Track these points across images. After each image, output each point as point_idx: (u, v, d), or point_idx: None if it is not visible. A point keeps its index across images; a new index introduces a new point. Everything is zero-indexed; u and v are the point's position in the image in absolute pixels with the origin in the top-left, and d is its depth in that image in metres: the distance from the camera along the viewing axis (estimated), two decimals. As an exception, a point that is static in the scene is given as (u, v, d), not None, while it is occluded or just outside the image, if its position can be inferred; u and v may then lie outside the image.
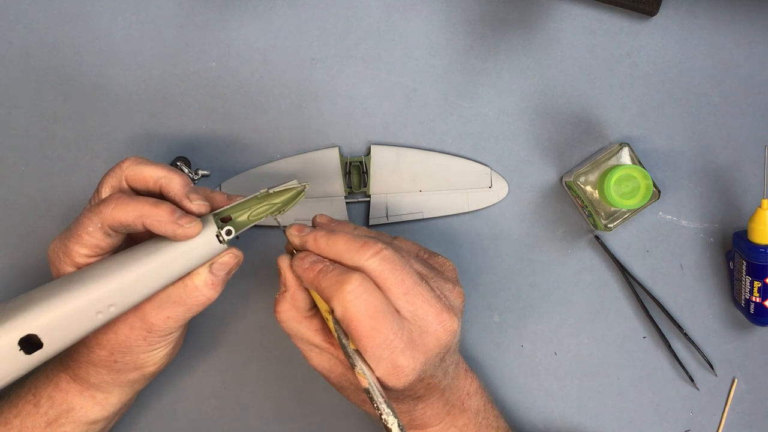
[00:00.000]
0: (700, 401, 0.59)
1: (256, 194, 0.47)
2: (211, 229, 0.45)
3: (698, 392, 0.59)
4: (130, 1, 0.57)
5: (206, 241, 0.45)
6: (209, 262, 0.46)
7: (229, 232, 0.45)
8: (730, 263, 0.58)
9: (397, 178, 0.58)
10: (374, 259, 0.42)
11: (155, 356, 0.48)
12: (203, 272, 0.45)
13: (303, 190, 0.48)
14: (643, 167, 0.55)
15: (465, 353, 0.59)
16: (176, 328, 0.47)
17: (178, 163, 0.56)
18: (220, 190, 0.57)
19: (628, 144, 0.55)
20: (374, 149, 0.58)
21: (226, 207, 0.47)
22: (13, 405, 0.49)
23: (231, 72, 0.58)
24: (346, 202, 0.58)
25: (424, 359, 0.43)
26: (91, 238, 0.44)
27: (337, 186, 0.57)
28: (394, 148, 0.58)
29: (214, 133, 0.58)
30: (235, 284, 0.58)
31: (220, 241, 0.45)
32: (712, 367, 0.59)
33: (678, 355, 0.59)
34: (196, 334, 0.58)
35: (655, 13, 0.57)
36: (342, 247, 0.44)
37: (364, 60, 0.58)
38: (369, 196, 0.58)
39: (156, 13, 0.57)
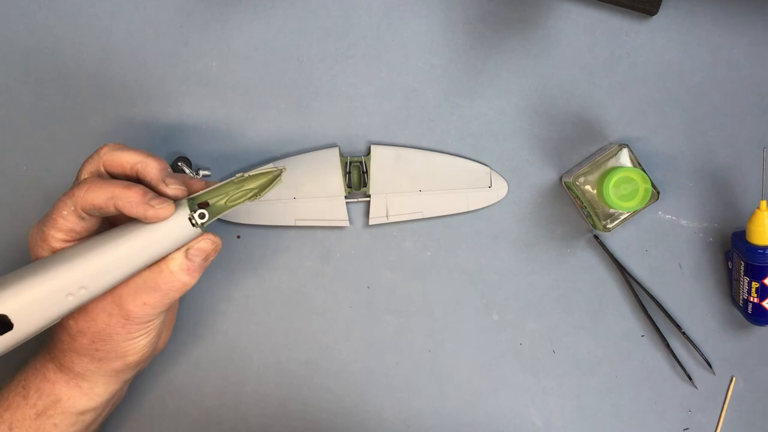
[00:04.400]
0: (699, 400, 0.60)
1: (232, 179, 0.47)
2: (184, 212, 0.45)
3: (697, 391, 0.59)
4: (130, 1, 0.57)
5: (179, 224, 0.45)
6: (185, 247, 0.46)
7: (202, 216, 0.45)
8: (729, 263, 0.58)
9: (397, 177, 0.58)
10: None
11: (136, 345, 0.48)
12: (178, 257, 0.46)
13: (279, 175, 0.48)
14: (643, 169, 0.55)
15: (465, 353, 0.59)
16: (155, 315, 0.47)
17: (179, 164, 0.56)
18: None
19: (627, 145, 0.55)
20: (374, 149, 0.58)
21: (201, 192, 0.47)
22: (4, 398, 0.49)
23: (231, 72, 0.58)
24: (346, 202, 0.58)
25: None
26: (65, 222, 0.45)
27: (337, 186, 0.58)
28: (394, 147, 0.58)
29: (214, 133, 0.58)
30: (235, 284, 0.58)
31: (194, 225, 0.45)
32: (710, 366, 0.59)
33: (676, 354, 0.59)
34: (197, 333, 0.58)
35: (655, 13, 0.57)
36: None
37: (364, 60, 0.58)
38: (369, 196, 0.58)
39: (156, 13, 0.57)
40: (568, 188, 0.57)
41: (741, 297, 0.56)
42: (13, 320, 0.42)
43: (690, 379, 0.59)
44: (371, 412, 0.59)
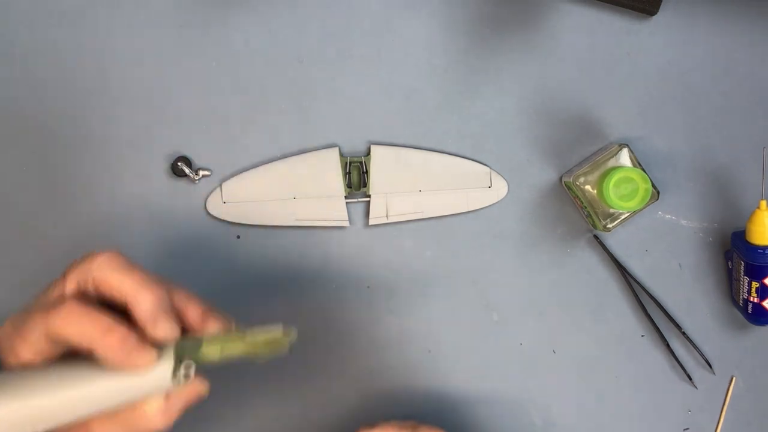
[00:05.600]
0: (699, 400, 0.60)
1: (233, 332, 0.42)
2: (168, 361, 0.40)
3: (697, 391, 0.60)
4: (130, 1, 0.57)
5: (160, 374, 0.40)
6: (167, 399, 0.41)
7: (188, 371, 0.40)
8: (729, 263, 0.58)
9: (397, 177, 0.58)
10: None
11: None
12: (156, 400, 0.41)
13: (287, 343, 0.42)
14: (643, 169, 0.55)
15: (465, 352, 0.59)
16: None
17: (179, 164, 0.56)
18: (221, 191, 0.57)
19: (627, 145, 0.55)
20: (374, 149, 0.58)
21: (196, 338, 0.42)
22: None
23: (231, 72, 0.58)
24: (346, 202, 0.58)
25: None
26: (35, 344, 0.39)
27: (337, 186, 0.58)
28: (394, 147, 0.58)
29: (214, 133, 0.58)
30: (235, 284, 0.58)
31: (174, 377, 0.40)
32: (710, 366, 0.59)
33: (676, 354, 0.59)
34: (197, 333, 0.58)
35: (655, 13, 0.57)
36: None
37: (364, 60, 0.58)
38: (369, 196, 0.58)
39: (156, 13, 0.57)
40: (568, 188, 0.57)
41: (741, 297, 0.56)
42: None
43: (690, 379, 0.59)
44: (371, 412, 0.59)
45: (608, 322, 0.59)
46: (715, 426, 0.60)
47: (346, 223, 0.58)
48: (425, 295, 0.59)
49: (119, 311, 0.40)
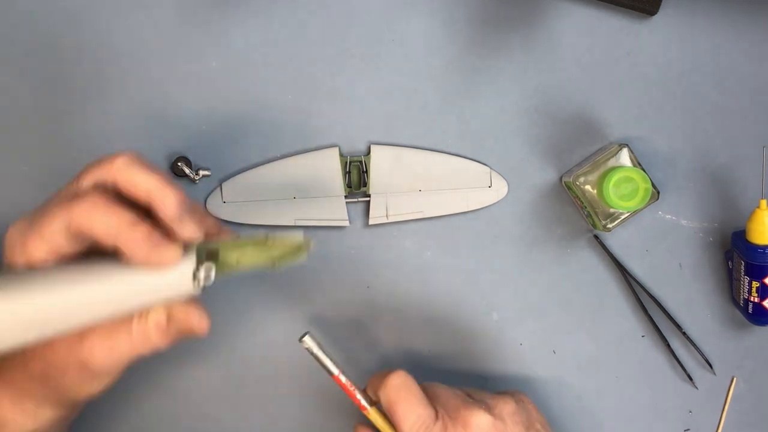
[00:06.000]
0: (699, 400, 0.60)
1: (254, 237, 0.41)
2: (189, 262, 0.39)
3: (697, 391, 0.59)
4: (130, 1, 0.57)
5: (180, 275, 0.38)
6: (169, 306, 0.41)
7: (208, 272, 0.39)
8: (729, 263, 0.58)
9: (397, 177, 0.58)
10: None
11: (87, 390, 0.43)
12: (159, 313, 0.40)
13: (306, 248, 0.42)
14: (643, 168, 0.55)
15: (464, 353, 0.59)
16: (114, 369, 0.42)
17: (179, 164, 0.56)
18: (221, 191, 0.57)
19: (627, 145, 0.55)
20: (374, 149, 0.58)
21: (215, 242, 0.41)
22: None
23: (231, 72, 0.58)
24: (346, 202, 0.58)
25: None
26: (53, 238, 0.38)
27: (337, 185, 0.58)
28: (394, 147, 0.58)
29: (214, 133, 0.58)
30: (235, 284, 0.58)
31: (194, 279, 0.39)
32: (711, 366, 0.59)
33: (677, 354, 0.59)
34: (197, 333, 0.58)
35: (655, 13, 0.57)
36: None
37: (364, 60, 0.58)
38: (369, 196, 0.58)
39: (156, 13, 0.57)
40: (568, 188, 0.57)
41: (741, 297, 0.56)
42: None
43: (690, 379, 0.59)
44: (371, 413, 0.59)
45: (608, 322, 0.59)
46: (715, 426, 0.60)
47: (346, 223, 0.58)
48: (425, 295, 0.59)
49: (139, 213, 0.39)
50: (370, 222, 0.58)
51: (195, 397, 0.58)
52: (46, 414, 0.44)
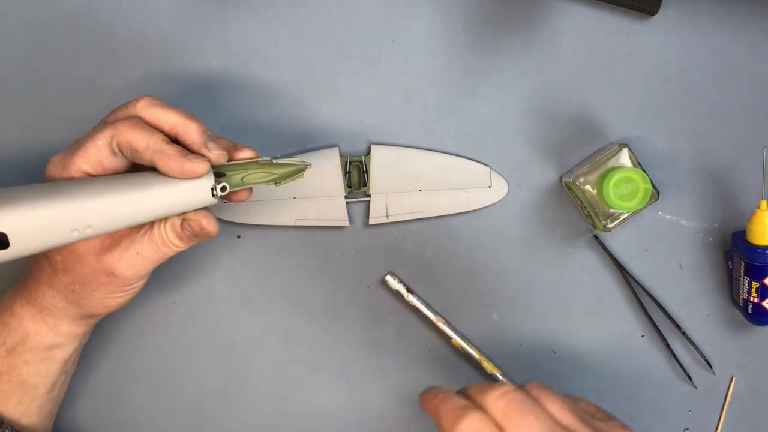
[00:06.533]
0: (699, 400, 0.60)
1: (259, 159, 0.48)
2: (209, 179, 0.45)
3: (697, 391, 0.59)
4: (130, 0, 0.57)
5: (201, 188, 0.45)
6: (184, 215, 0.46)
7: (224, 189, 0.46)
8: (729, 263, 0.58)
9: (397, 177, 0.58)
10: (499, 400, 0.39)
11: (111, 302, 0.48)
12: (174, 218, 0.46)
13: (303, 169, 0.49)
14: (643, 168, 0.55)
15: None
16: (137, 276, 0.47)
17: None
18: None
19: (627, 145, 0.55)
20: (374, 149, 0.58)
21: (225, 163, 0.47)
22: None
23: (231, 72, 0.58)
24: (346, 202, 0.58)
25: None
26: (97, 153, 0.44)
27: (337, 185, 0.58)
28: (394, 147, 0.58)
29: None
30: (235, 284, 0.58)
31: (213, 195, 0.46)
32: (710, 366, 0.59)
33: (676, 354, 0.59)
34: (197, 333, 0.58)
35: (656, 13, 0.57)
36: (473, 389, 0.41)
37: (364, 60, 0.58)
38: (369, 196, 0.58)
39: (156, 13, 0.57)
40: (568, 188, 0.57)
41: (741, 297, 0.56)
42: (11, 240, 0.40)
43: (690, 379, 0.59)
44: (372, 412, 0.59)
45: (608, 322, 0.59)
46: (715, 426, 0.60)
47: (346, 223, 0.58)
48: (425, 295, 0.59)
49: None
50: (370, 222, 0.58)
51: (195, 397, 0.59)
52: (64, 329, 0.49)
